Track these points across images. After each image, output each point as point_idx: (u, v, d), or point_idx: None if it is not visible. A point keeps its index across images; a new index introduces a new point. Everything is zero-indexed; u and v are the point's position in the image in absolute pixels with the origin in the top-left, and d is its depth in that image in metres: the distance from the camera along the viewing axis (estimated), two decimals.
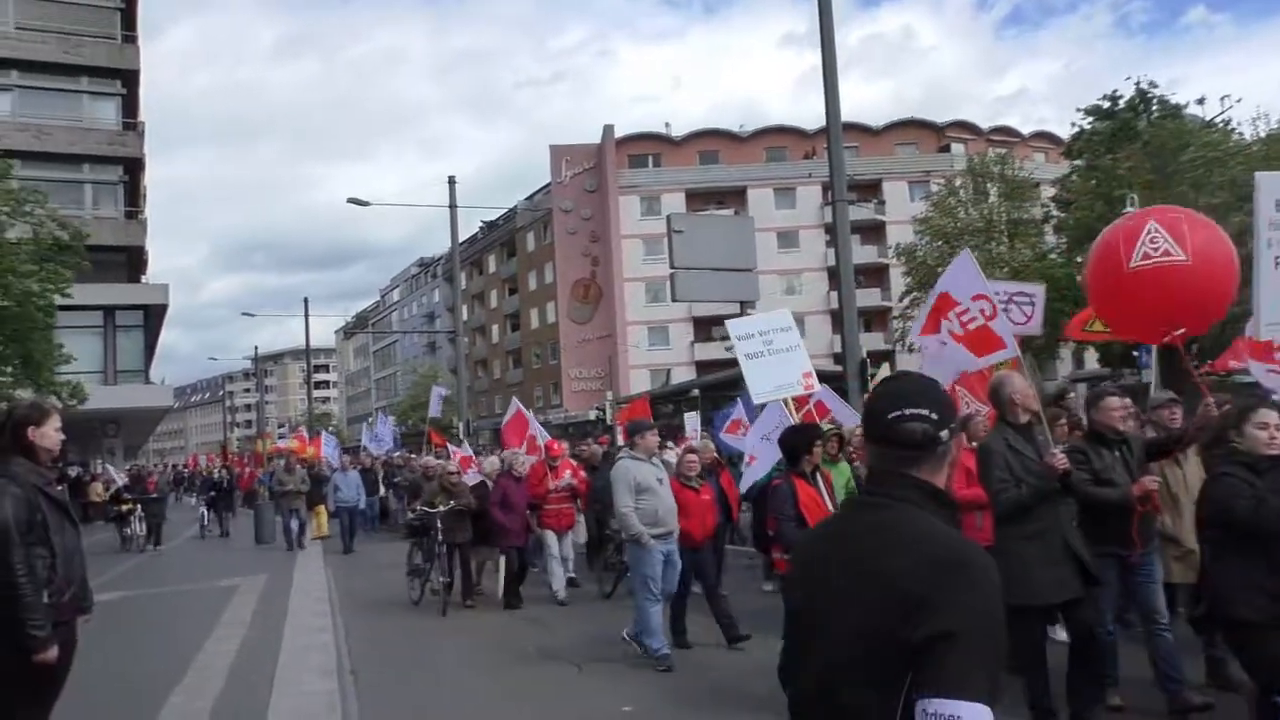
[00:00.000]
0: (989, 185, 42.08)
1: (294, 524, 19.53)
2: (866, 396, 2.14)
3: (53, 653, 4.35)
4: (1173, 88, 74.64)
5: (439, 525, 11.45)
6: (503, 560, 11.63)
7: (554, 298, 66.95)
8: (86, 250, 22.83)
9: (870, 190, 62.59)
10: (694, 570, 8.49)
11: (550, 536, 11.72)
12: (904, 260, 44.33)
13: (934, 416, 2.09)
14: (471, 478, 12.44)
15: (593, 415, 52.64)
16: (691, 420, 15.37)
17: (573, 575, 12.14)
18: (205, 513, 24.71)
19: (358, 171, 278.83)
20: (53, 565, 4.43)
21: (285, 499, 19.29)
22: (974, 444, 6.71)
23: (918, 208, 47.77)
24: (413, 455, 27.14)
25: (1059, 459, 5.36)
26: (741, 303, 19.81)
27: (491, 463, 12.74)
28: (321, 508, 21.01)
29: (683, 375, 57.84)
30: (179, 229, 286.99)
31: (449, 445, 21.24)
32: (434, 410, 26.36)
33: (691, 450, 9.14)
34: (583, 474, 12.69)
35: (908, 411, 2.09)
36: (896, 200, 61.42)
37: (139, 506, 21.38)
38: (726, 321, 9.72)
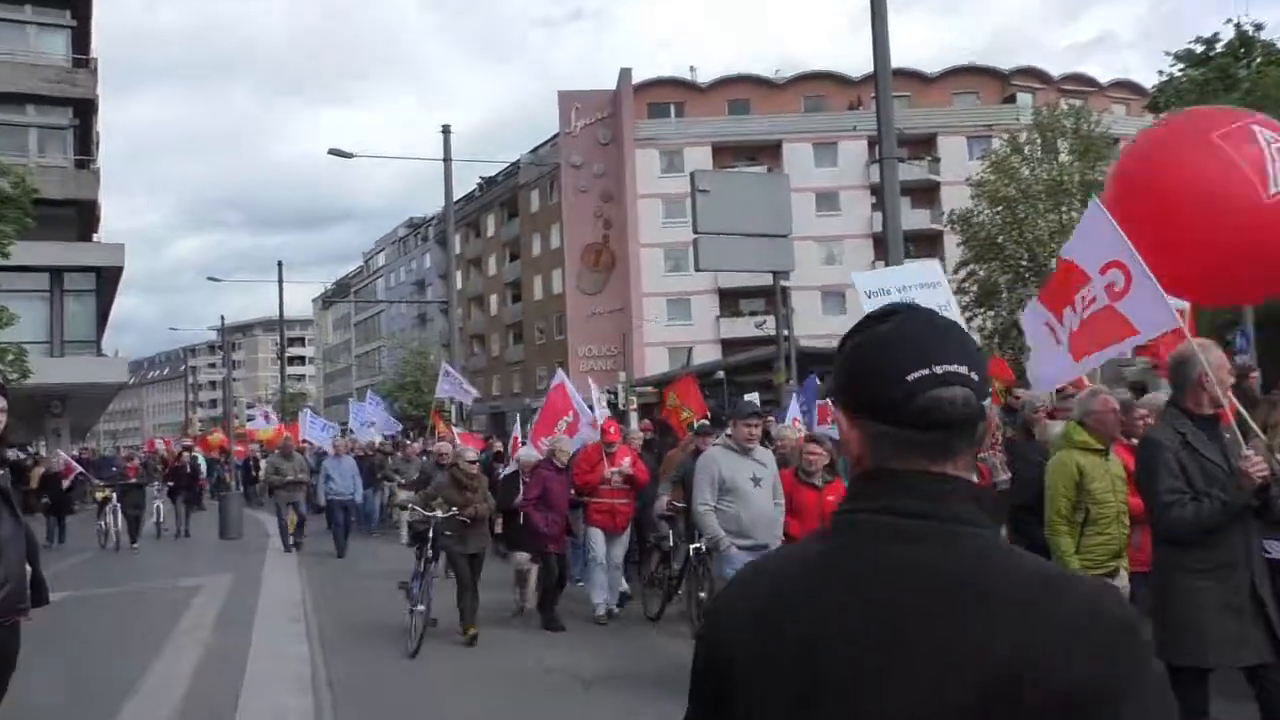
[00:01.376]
0: (1060, 141, 41.70)
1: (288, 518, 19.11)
2: (848, 344, 1.58)
3: None
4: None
5: (433, 532, 10.01)
6: (534, 572, 10.95)
7: (560, 265, 66.93)
8: (31, 204, 22.90)
9: (923, 146, 62.17)
10: None
11: (597, 536, 10.97)
12: (960, 228, 44.05)
13: (974, 377, 1.49)
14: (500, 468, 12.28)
15: (604, 400, 52.65)
16: (793, 403, 13.55)
17: (625, 589, 11.42)
18: (159, 506, 22.90)
19: (341, 119, 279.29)
20: None
21: (285, 491, 18.57)
22: (1132, 440, 6.16)
23: (977, 167, 47.39)
24: (408, 440, 27.21)
25: (1256, 464, 4.45)
26: (774, 273, 19.74)
27: (527, 453, 12.01)
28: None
29: (706, 355, 57.78)
30: (137, 182, 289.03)
31: (455, 431, 21.32)
32: (447, 390, 25.73)
33: (814, 440, 8.27)
34: (642, 464, 11.91)
35: (940, 370, 1.47)
36: (953, 158, 60.99)
37: (114, 496, 20.32)
38: (854, 276, 9.01)
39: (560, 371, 14.80)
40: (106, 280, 33.36)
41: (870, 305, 8.86)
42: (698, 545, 9.39)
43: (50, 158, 34.12)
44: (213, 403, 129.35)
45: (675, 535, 10.77)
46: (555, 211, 67.72)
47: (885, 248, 14.81)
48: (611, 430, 11.54)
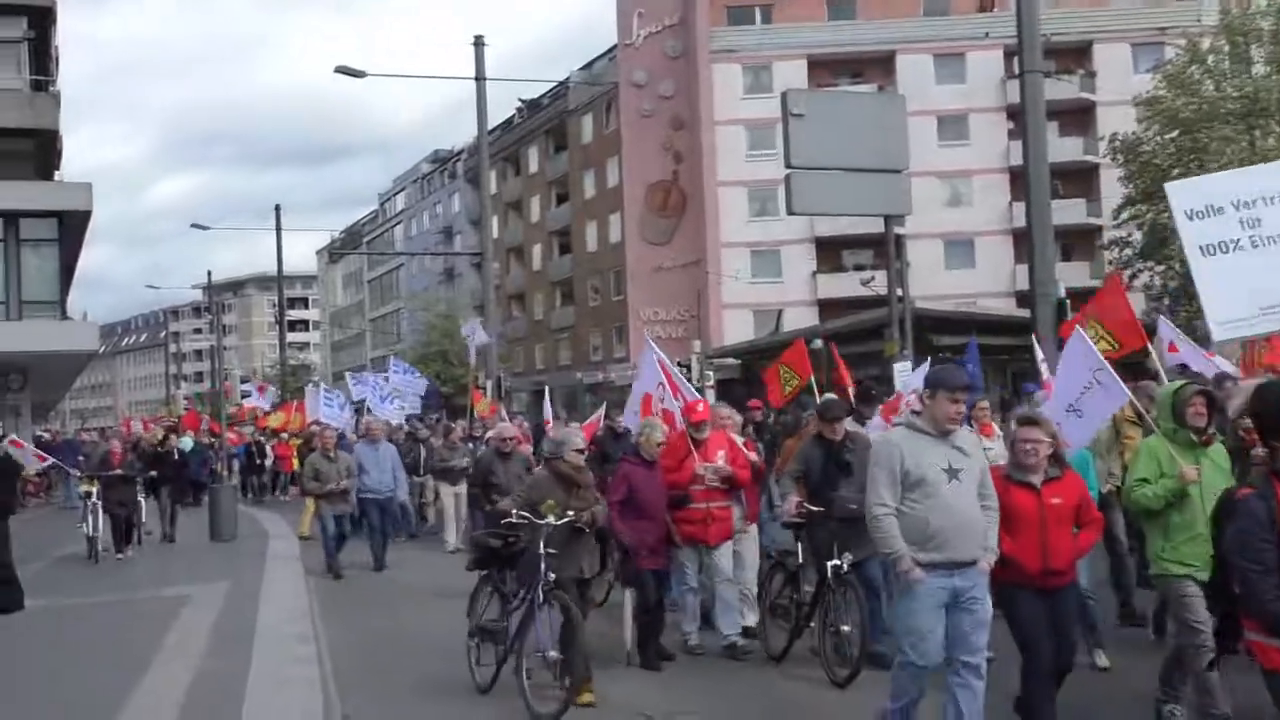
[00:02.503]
0: (1254, 49, 40.77)
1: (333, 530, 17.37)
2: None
3: None
4: None
5: (546, 553, 8.78)
6: (629, 597, 10.32)
7: (619, 208, 67.04)
8: None
9: (1075, 57, 61.07)
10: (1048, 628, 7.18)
11: (686, 554, 10.52)
12: (1123, 159, 43.30)
13: None
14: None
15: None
16: (913, 376, 13.26)
17: (748, 624, 10.76)
18: (143, 504, 21.68)
19: (354, 32, 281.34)
20: None
21: (329, 502, 17.05)
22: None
23: (1145, 82, 46.51)
24: (439, 420, 27.50)
25: None
26: (886, 217, 19.64)
27: (553, 444, 10.51)
28: (309, 500, 20.85)
29: (799, 319, 57.60)
30: (107, 109, 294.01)
31: (501, 410, 21.56)
32: (478, 345, 26.54)
33: (1031, 421, 7.56)
34: (753, 453, 11.28)
35: None
36: (1113, 71, 59.85)
37: (95, 491, 19.68)
38: (1166, 187, 8.72)
39: (649, 340, 14.62)
40: (71, 228, 34.01)
41: (1194, 230, 8.67)
42: (836, 563, 9.31)
43: (0, 78, 34.82)
44: (199, 375, 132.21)
45: (804, 549, 10.13)
46: (613, 142, 67.78)
47: (1025, 185, 14.67)
48: (700, 410, 10.95)
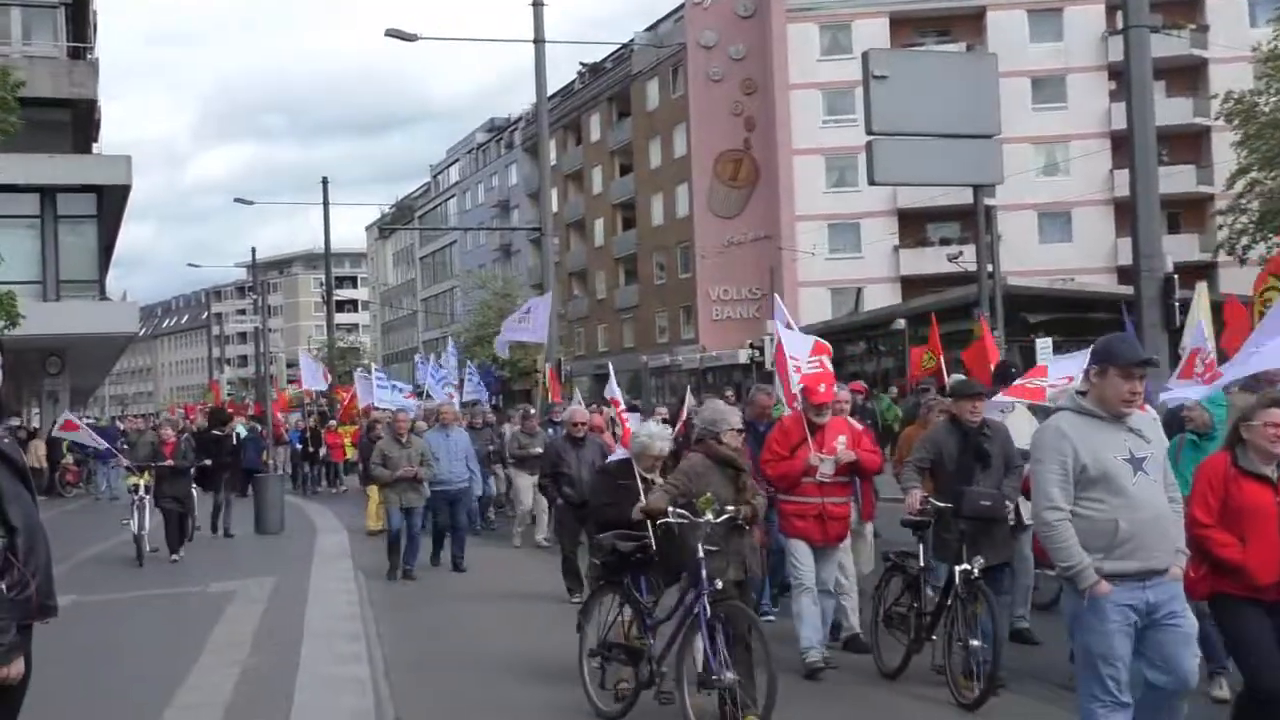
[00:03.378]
0: None
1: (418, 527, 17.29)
2: None
3: (17, 668, 4.66)
4: None
5: (706, 555, 8.06)
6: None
7: (687, 179, 66.98)
8: (17, 102, 23.62)
9: (1184, 10, 60.05)
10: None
11: (802, 552, 9.91)
12: (1238, 121, 42.56)
13: None
14: (617, 454, 11.94)
15: (744, 357, 52.73)
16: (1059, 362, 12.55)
17: (856, 629, 10.40)
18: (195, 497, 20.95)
19: None
20: (11, 547, 4.70)
21: (397, 491, 16.40)
22: None
23: (1265, 35, 45.64)
24: (511, 410, 27.69)
25: None
26: (975, 186, 19.45)
27: (645, 437, 9.93)
28: (374, 489, 20.40)
29: (881, 298, 57.33)
30: (150, 78, 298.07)
31: (577, 394, 21.62)
32: (537, 334, 26.49)
33: (1277, 404, 6.89)
34: (868, 440, 10.63)
35: None
36: (1227, 23, 58.87)
37: (144, 485, 19.08)
38: None
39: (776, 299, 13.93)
40: (109, 204, 34.42)
41: None
42: (966, 567, 8.79)
43: (37, 45, 35.29)
44: (243, 359, 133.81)
45: (927, 552, 9.56)
46: (680, 108, 67.68)
47: (1129, 150, 14.45)
48: (822, 389, 10.23)
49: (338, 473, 34.22)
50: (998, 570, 9.10)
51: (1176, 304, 14.09)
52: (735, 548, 8.32)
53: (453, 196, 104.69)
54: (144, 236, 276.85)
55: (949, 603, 8.98)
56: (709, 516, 8.02)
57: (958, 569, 8.83)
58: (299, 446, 35.22)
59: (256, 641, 11.82)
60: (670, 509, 8.12)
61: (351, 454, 30.72)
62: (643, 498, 9.00)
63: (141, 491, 19.01)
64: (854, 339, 49.94)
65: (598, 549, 8.84)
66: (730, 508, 8.19)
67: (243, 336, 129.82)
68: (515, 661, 10.61)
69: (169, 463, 19.16)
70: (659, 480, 9.36)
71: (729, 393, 24.78)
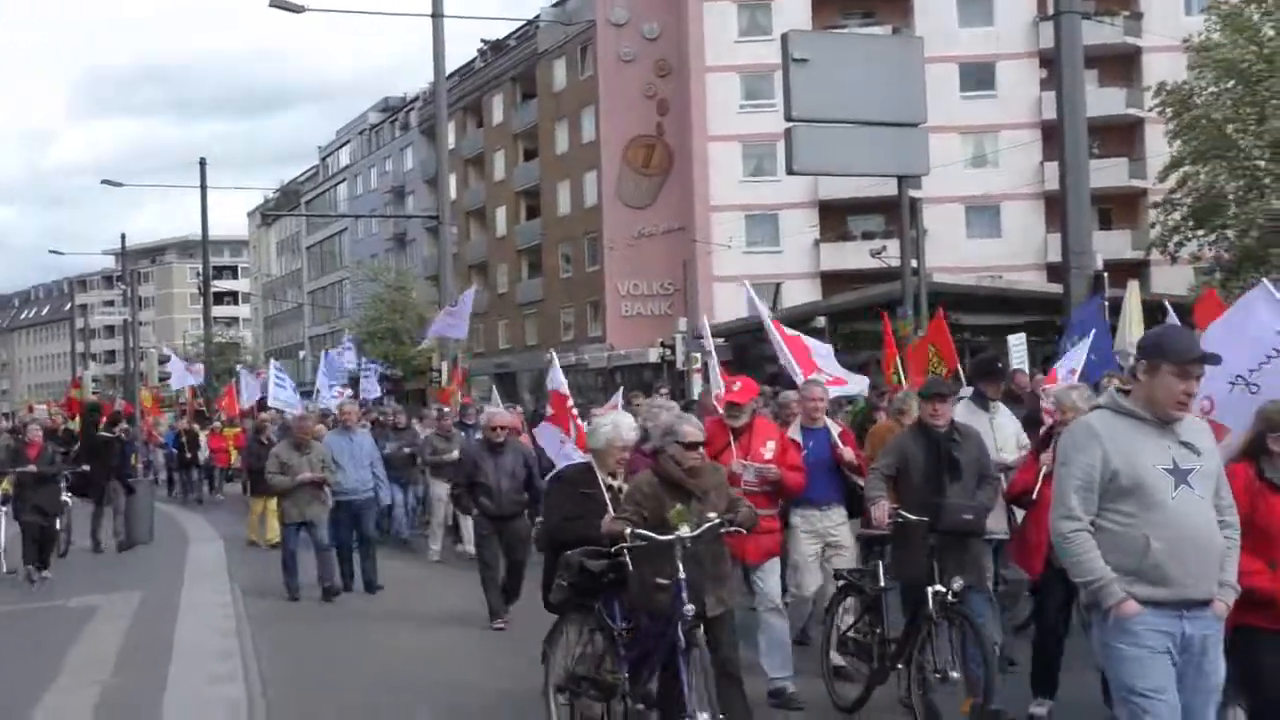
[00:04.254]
0: None
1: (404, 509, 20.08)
2: None
3: None
4: None
5: (685, 577, 7.41)
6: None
7: (596, 166, 66.96)
8: None
9: None
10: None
11: (765, 566, 9.74)
12: (1171, 112, 43.30)
13: None
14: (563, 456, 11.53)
15: (654, 356, 52.84)
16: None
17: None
18: (68, 505, 20.49)
19: None
20: None
21: (295, 503, 15.80)
22: None
23: (1197, 23, 46.54)
24: (421, 409, 27.40)
25: None
26: (900, 178, 19.61)
27: (609, 426, 9.22)
28: (259, 500, 20.73)
29: (801, 294, 57.58)
30: (9, 40, 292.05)
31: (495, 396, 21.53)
32: (457, 328, 26.57)
33: None
34: (850, 448, 10.42)
35: None
36: (1162, 11, 59.94)
37: (6, 495, 18.25)
38: None
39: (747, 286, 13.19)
40: None
41: None
42: (939, 589, 8.26)
43: None
44: (110, 355, 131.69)
45: (885, 569, 9.16)
46: (589, 90, 67.66)
47: (1059, 142, 14.64)
48: (736, 389, 9.99)
49: (221, 480, 33.57)
50: (969, 594, 8.56)
51: (1105, 303, 14.32)
52: (719, 567, 7.78)
53: (343, 181, 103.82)
54: (1, 220, 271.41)
55: (921, 628, 8.41)
56: (684, 531, 7.36)
57: (930, 590, 8.24)
58: (174, 450, 34.17)
59: (120, 660, 11.66)
60: (627, 530, 7.46)
61: (236, 459, 29.97)
62: (610, 507, 8.34)
63: (3, 504, 17.98)
64: (758, 339, 50.08)
65: (565, 568, 8.13)
66: (712, 515, 7.51)
67: (110, 330, 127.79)
68: (419, 684, 10.49)
69: (31, 468, 17.74)
70: (624, 485, 8.63)
71: (664, 390, 24.53)
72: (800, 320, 47.81)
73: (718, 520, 7.48)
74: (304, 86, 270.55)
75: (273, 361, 36.45)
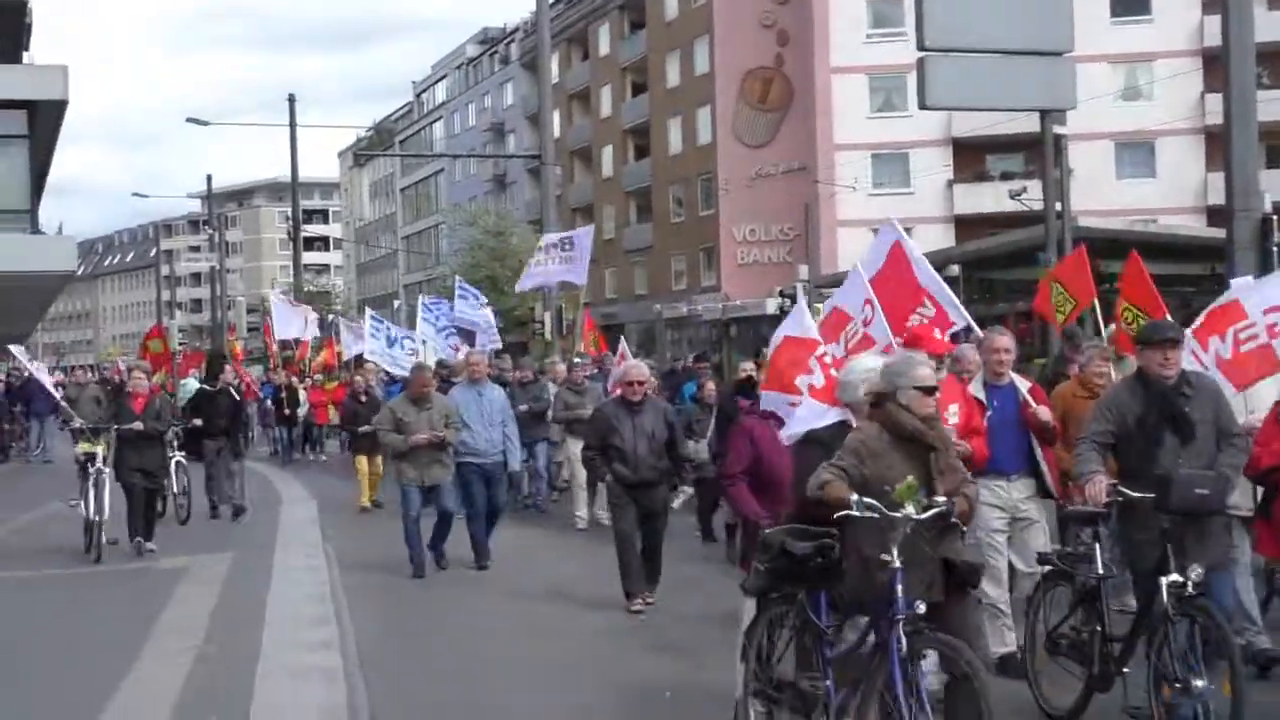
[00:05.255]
0: None
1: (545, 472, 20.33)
2: None
3: None
4: None
5: (899, 575, 6.74)
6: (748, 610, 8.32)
7: (710, 100, 66.76)
8: None
9: None
10: None
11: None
12: None
13: None
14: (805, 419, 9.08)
15: (772, 306, 52.67)
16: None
17: (1011, 647, 9.19)
18: (181, 465, 20.12)
19: None
20: None
21: (417, 465, 14.89)
22: None
23: None
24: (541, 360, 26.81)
25: None
26: (1043, 112, 19.42)
27: (867, 371, 7.77)
28: (363, 459, 21.35)
29: (932, 240, 57.03)
30: None
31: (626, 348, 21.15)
32: (574, 273, 25.82)
33: None
34: (1045, 408, 9.70)
35: None
36: None
37: (100, 454, 16.79)
38: None
39: (892, 226, 11.51)
40: (43, 122, 34.38)
41: None
42: (1177, 579, 7.49)
43: None
44: (197, 304, 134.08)
45: (1104, 553, 8.36)
46: (702, 18, 67.43)
47: (1224, 71, 14.37)
48: (930, 338, 9.27)
49: (320, 438, 33.64)
50: (1215, 582, 7.85)
51: (1276, 249, 14.03)
52: (939, 555, 6.98)
53: (439, 119, 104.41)
54: (83, 162, 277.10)
55: (1151, 626, 7.67)
56: (909, 510, 6.71)
57: (1164, 580, 7.46)
58: (271, 406, 33.76)
59: (213, 625, 11.94)
60: (854, 498, 6.73)
61: (335, 416, 29.66)
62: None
63: (99, 463, 16.54)
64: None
65: (764, 549, 7.42)
66: (940, 499, 6.87)
67: (196, 278, 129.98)
68: (535, 671, 10.34)
69: (136, 425, 16.66)
70: None
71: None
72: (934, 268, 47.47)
73: (945, 504, 6.86)
74: (398, 18, 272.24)
75: (368, 310, 36.08)
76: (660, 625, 11.59)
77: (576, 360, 21.11)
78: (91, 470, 16.57)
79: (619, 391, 13.38)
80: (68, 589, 14.68)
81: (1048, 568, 8.60)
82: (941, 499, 6.84)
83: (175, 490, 19.53)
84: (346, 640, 11.16)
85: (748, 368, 15.57)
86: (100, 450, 16.74)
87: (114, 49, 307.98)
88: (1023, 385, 9.67)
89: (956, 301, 10.72)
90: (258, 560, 15.87)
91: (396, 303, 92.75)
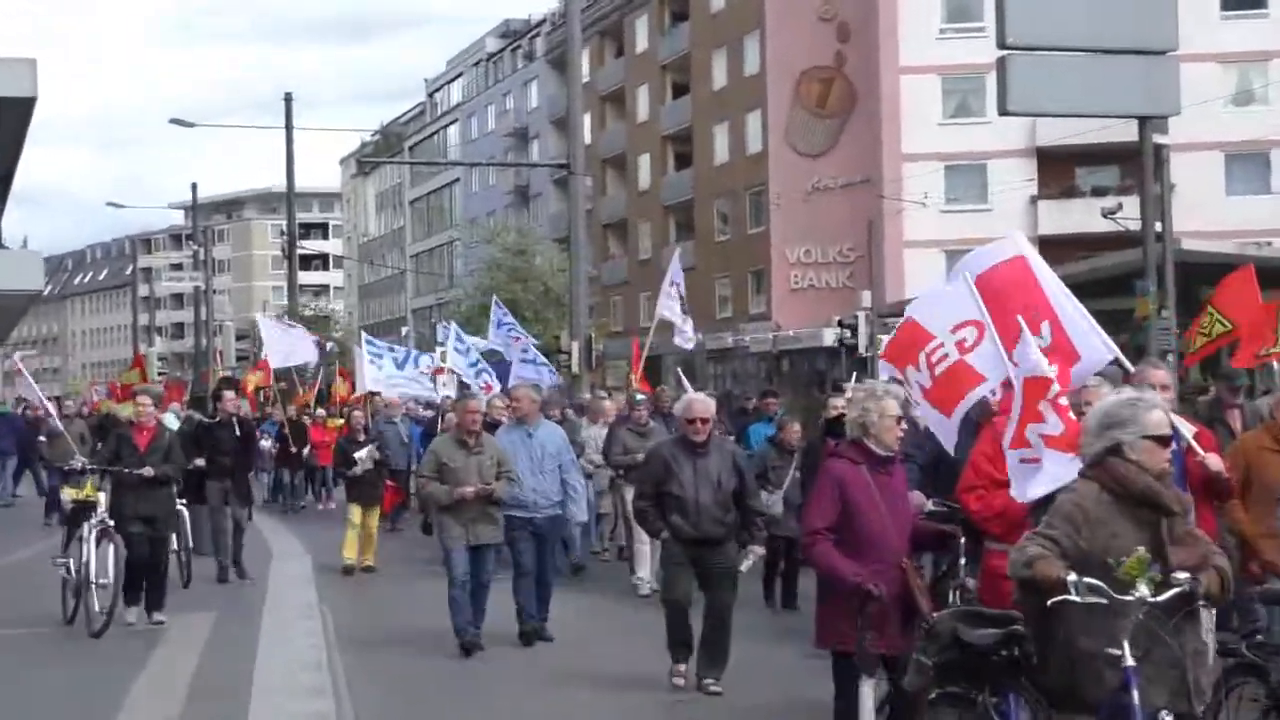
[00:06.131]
0: None
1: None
2: None
3: None
4: None
5: (1135, 674, 6.27)
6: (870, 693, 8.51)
7: (761, 104, 66.88)
8: None
9: None
10: None
11: None
12: None
13: None
14: None
15: (829, 338, 52.63)
16: None
17: None
18: (185, 517, 19.25)
19: None
20: None
21: (461, 519, 14.11)
22: None
23: None
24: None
25: None
26: (1141, 119, 19.34)
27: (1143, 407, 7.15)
28: (357, 510, 20.86)
29: None
30: None
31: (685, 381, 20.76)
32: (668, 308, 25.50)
33: None
34: (1214, 455, 9.16)
35: None
36: None
37: (101, 506, 15.49)
38: None
39: (1014, 238, 10.51)
40: (8, 121, 34.76)
41: None
42: None
43: None
44: (178, 329, 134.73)
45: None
46: (753, 10, 67.60)
47: None
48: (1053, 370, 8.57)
49: (326, 482, 32.86)
50: None
51: None
52: (1181, 650, 6.43)
53: (454, 122, 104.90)
54: (53, 167, 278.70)
55: None
56: (1143, 591, 6.16)
57: None
58: (276, 446, 32.16)
59: (191, 695, 11.94)
60: (1070, 578, 6.19)
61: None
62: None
63: (102, 512, 15.36)
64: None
65: (931, 640, 7.01)
66: (1181, 575, 6.30)
67: (178, 299, 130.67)
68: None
69: (146, 470, 15.52)
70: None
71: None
72: None
73: (1188, 585, 6.26)
74: (410, 8, 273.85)
75: (363, 334, 35.45)
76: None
77: (639, 397, 20.46)
78: (92, 523, 15.30)
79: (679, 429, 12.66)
80: (27, 652, 14.61)
81: (1231, 660, 7.86)
82: (1183, 575, 6.24)
83: (174, 545, 17.77)
84: (344, 714, 11.16)
85: (838, 405, 14.84)
86: (102, 497, 15.50)
87: (104, 47, 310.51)
88: (1186, 429, 8.94)
89: (1098, 328, 9.79)
90: (244, 622, 15.87)
91: (404, 329, 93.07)
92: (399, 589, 16.09)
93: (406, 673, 13.40)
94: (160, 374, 47.15)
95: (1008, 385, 9.07)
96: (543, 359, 26.91)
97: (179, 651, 14.07)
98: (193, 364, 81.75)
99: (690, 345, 25.74)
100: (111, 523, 15.19)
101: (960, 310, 9.60)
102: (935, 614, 7.19)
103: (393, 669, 13.55)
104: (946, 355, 9.63)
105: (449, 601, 13.84)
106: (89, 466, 16.20)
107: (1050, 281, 9.92)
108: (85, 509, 15.63)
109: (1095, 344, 9.56)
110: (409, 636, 14.69)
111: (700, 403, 12.58)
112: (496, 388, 23.85)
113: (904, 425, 8.81)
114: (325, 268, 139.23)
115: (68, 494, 16.37)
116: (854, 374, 27.19)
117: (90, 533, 15.21)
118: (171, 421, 26.52)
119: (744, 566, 12.20)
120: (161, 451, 15.78)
